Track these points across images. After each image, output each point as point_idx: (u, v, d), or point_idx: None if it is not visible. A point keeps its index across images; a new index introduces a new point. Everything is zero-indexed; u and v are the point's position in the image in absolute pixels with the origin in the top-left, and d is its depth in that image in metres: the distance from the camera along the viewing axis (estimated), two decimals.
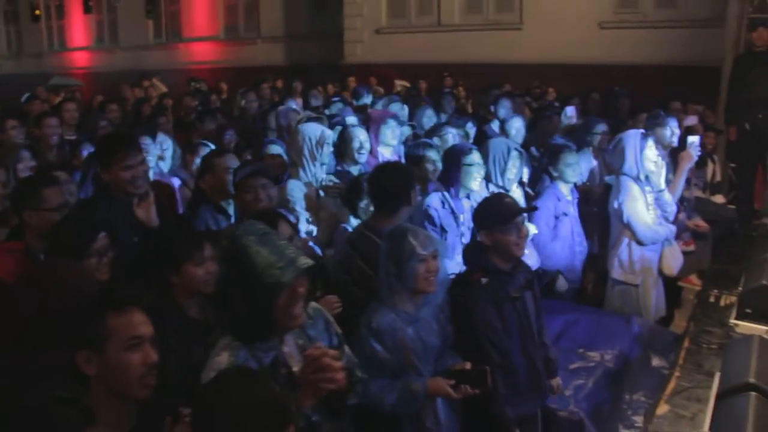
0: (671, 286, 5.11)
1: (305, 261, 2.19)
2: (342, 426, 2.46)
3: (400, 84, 10.25)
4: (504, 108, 6.45)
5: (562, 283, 4.63)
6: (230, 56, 15.43)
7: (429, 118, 6.13)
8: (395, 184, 3.37)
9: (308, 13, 15.12)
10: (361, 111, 6.44)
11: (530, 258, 4.48)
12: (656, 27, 10.32)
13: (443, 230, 3.77)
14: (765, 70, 6.58)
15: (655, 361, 4.20)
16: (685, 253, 5.28)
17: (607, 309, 4.62)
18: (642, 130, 4.61)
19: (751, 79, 6.65)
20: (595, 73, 9.89)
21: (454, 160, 4.00)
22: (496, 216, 3.09)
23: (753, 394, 3.09)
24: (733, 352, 3.61)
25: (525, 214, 3.33)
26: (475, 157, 4.03)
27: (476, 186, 4.09)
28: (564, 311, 4.46)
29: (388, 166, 3.64)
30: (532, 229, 4.27)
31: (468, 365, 2.84)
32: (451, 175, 3.99)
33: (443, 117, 6.46)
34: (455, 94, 8.41)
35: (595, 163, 5.45)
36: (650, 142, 4.47)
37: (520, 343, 3.15)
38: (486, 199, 3.28)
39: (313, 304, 2.48)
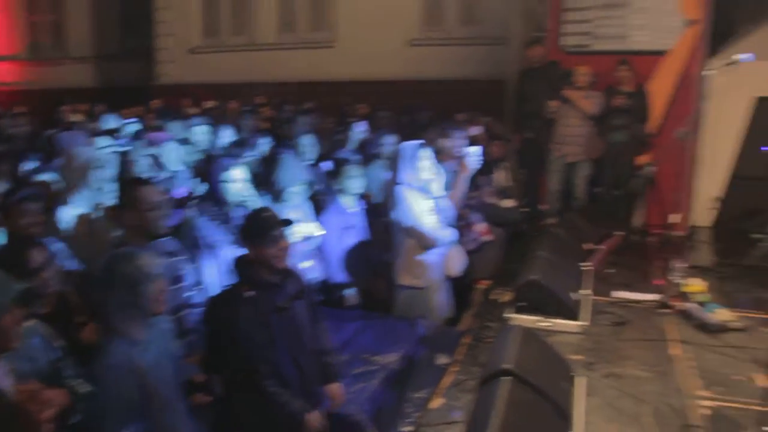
0: (464, 287, 5.47)
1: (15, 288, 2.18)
2: None
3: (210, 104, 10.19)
4: (298, 125, 6.61)
5: (351, 296, 4.81)
6: (34, 77, 14.50)
7: (227, 137, 6.16)
8: None
9: (119, 31, 14.59)
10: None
11: (314, 269, 4.63)
12: (460, 44, 10.94)
13: (212, 246, 3.83)
14: (540, 84, 7.22)
15: (440, 359, 4.46)
16: (476, 253, 5.66)
17: (396, 314, 4.84)
18: (420, 141, 4.87)
19: (530, 93, 7.27)
20: (405, 88, 10.34)
21: (214, 176, 4.08)
22: (256, 230, 3.21)
23: (507, 378, 3.39)
24: (499, 342, 3.93)
25: (291, 227, 3.43)
26: (236, 173, 4.12)
27: (241, 199, 4.16)
28: (353, 319, 4.65)
29: None
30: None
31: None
32: (215, 191, 4.06)
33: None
34: (260, 112, 8.48)
35: (387, 175, 5.69)
36: (425, 153, 4.74)
37: (289, 353, 3.25)
38: (247, 215, 3.37)
39: (28, 323, 2.46)
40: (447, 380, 4.17)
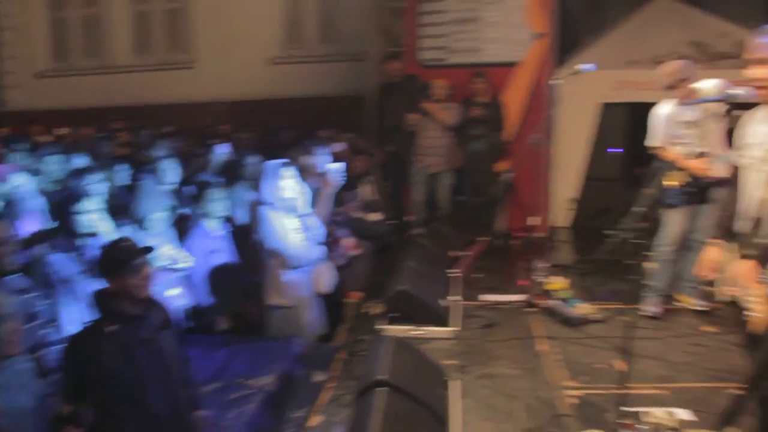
0: (336, 303, 5.46)
1: None
2: None
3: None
4: (158, 149, 6.40)
5: (221, 320, 4.70)
6: None
7: (81, 166, 5.84)
8: None
9: None
10: None
11: (182, 296, 4.49)
12: (320, 62, 10.96)
13: (68, 281, 3.63)
14: (399, 99, 7.37)
15: (316, 377, 4.42)
16: (345, 268, 5.67)
17: (268, 335, 4.76)
18: (283, 160, 4.83)
19: (390, 107, 7.40)
20: (267, 107, 10.24)
21: (66, 208, 3.88)
22: (115, 261, 3.06)
23: (383, 389, 3.42)
24: (373, 354, 3.95)
25: (151, 255, 3.30)
26: (89, 204, 3.94)
27: (95, 231, 3.98)
28: (225, 344, 4.54)
29: None
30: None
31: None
32: (68, 223, 3.86)
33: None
34: (117, 138, 8.14)
35: (251, 195, 5.61)
36: (288, 171, 4.72)
37: (158, 386, 3.12)
38: (104, 246, 3.21)
39: None
40: (325, 397, 4.14)
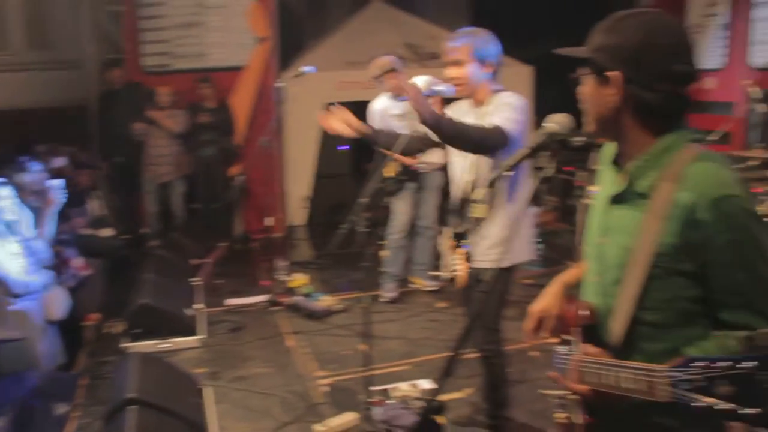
0: (73, 328, 5.10)
1: None
2: None
3: None
4: None
5: None
6: None
7: None
8: None
9: None
10: None
11: None
12: (32, 69, 10.03)
13: None
14: (123, 107, 7.04)
15: (58, 409, 4.12)
16: (79, 290, 5.31)
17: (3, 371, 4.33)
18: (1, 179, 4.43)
19: (114, 116, 7.04)
20: None
21: None
22: None
23: (133, 407, 3.30)
24: (119, 374, 3.79)
25: None
26: None
27: None
28: None
29: None
30: None
31: None
32: None
33: None
34: None
35: None
36: (4, 191, 4.34)
37: None
38: None
39: None
40: (70, 428, 3.88)
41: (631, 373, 1.42)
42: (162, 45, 7.71)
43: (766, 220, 1.52)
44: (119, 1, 7.64)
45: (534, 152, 1.76)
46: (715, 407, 1.14)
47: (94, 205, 6.70)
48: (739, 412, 1.11)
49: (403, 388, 4.03)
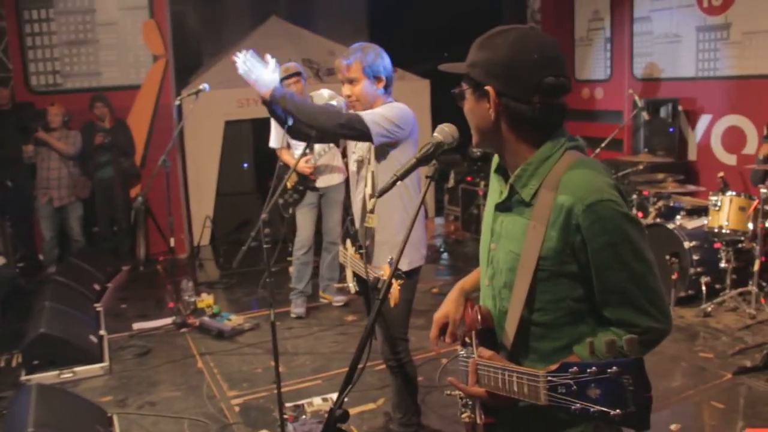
0: None
1: None
2: None
3: None
4: None
5: None
6: None
7: None
8: None
9: None
10: None
11: None
12: None
13: None
14: (11, 128, 6.72)
15: None
16: None
17: None
18: None
19: (2, 138, 6.70)
20: None
21: None
22: None
23: None
24: (14, 409, 3.61)
25: None
26: None
27: None
28: None
29: None
30: None
31: None
32: None
33: None
34: None
35: None
36: None
37: None
38: None
39: None
40: None
41: (516, 377, 1.47)
42: (52, 63, 7.43)
43: (640, 221, 1.61)
44: (0, 18, 7.30)
45: (420, 162, 1.81)
46: (591, 410, 1.20)
47: None
48: (609, 414, 1.17)
49: (316, 402, 4.03)
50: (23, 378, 4.51)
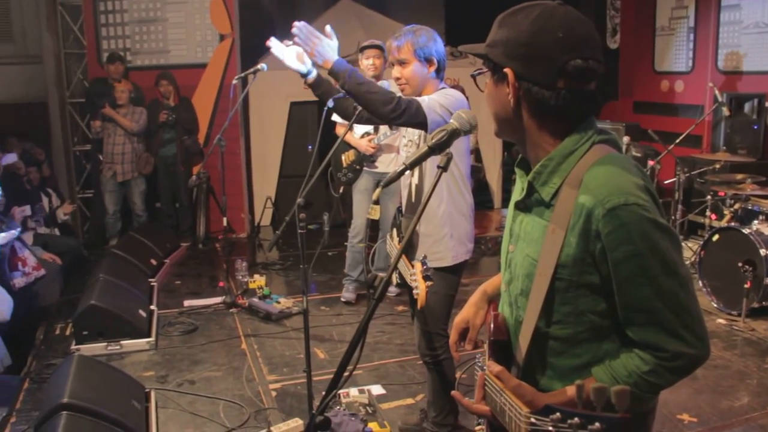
0: (22, 330, 4.94)
1: None
2: None
3: None
4: None
5: None
6: None
7: None
8: None
9: None
10: None
11: None
12: None
13: None
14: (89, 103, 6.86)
15: None
16: (30, 290, 5.16)
17: None
18: None
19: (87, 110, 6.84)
20: None
21: None
22: None
23: (63, 413, 3.17)
24: (55, 378, 3.64)
25: None
26: None
27: None
28: None
29: None
30: None
31: None
32: None
33: None
34: None
35: None
36: None
37: None
38: None
39: None
40: None
41: (508, 406, 1.32)
42: (122, 41, 7.54)
43: (673, 229, 1.39)
44: None
45: (432, 151, 1.65)
46: None
47: (46, 203, 6.52)
48: None
49: (353, 393, 3.93)
50: (73, 347, 4.59)
